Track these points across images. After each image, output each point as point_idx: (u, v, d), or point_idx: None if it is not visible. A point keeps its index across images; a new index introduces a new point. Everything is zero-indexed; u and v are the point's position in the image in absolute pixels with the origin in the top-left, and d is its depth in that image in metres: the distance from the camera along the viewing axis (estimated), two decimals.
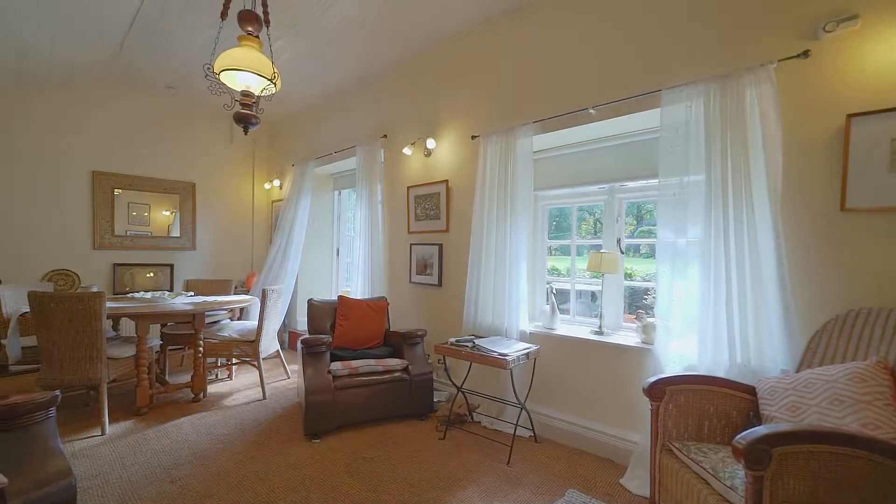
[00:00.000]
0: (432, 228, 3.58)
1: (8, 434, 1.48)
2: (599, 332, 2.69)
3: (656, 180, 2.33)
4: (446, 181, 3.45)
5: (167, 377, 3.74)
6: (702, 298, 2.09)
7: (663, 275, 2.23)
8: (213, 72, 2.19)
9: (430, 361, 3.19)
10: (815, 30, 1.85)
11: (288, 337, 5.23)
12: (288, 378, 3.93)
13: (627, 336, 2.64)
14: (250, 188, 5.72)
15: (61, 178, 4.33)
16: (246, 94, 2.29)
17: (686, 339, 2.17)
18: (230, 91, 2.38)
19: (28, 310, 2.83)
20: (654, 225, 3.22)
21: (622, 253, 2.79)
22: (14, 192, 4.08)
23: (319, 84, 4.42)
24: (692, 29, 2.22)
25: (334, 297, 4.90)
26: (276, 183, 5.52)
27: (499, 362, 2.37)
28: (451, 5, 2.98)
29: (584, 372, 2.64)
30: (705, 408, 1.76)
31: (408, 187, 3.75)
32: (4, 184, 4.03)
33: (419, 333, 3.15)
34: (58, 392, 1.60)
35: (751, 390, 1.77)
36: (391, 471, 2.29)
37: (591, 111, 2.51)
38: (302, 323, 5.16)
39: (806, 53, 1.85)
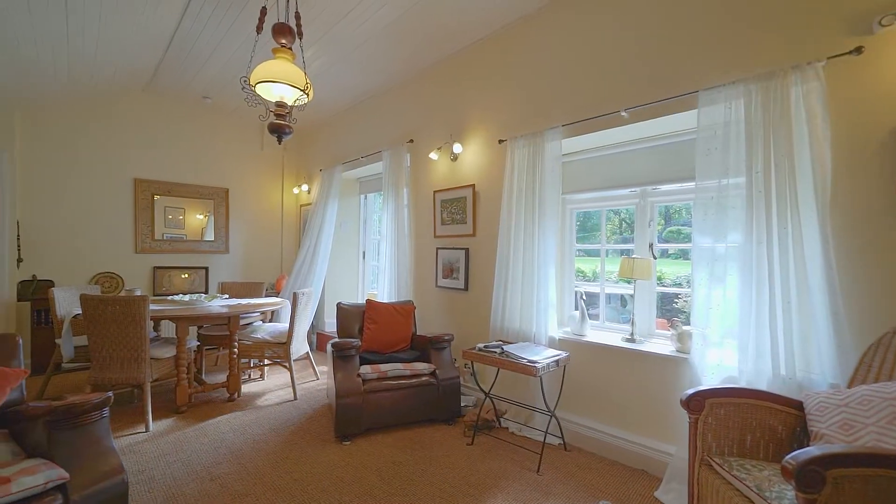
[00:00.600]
0: (459, 233, 3.59)
1: (66, 433, 1.58)
2: (631, 340, 2.62)
3: (692, 183, 2.26)
4: (473, 185, 3.44)
5: (204, 377, 3.89)
6: (742, 306, 2.01)
7: (700, 281, 2.15)
8: (250, 84, 2.27)
9: (457, 366, 3.20)
10: (869, 24, 1.75)
11: (316, 338, 5.34)
12: (317, 379, 4.01)
13: (661, 344, 2.57)
14: (280, 193, 5.89)
15: (107, 185, 4.58)
16: (280, 104, 2.36)
17: (725, 349, 2.09)
18: (265, 102, 2.46)
19: (80, 311, 3.01)
20: (684, 225, 3.12)
21: (655, 258, 2.72)
22: (66, 200, 4.34)
23: (348, 91, 4.51)
24: (731, 28, 2.13)
25: (361, 300, 4.98)
26: (305, 188, 5.65)
27: (528, 369, 2.35)
28: (477, 9, 2.98)
29: (616, 380, 2.58)
30: (748, 422, 1.69)
31: (434, 192, 3.77)
32: (57, 192, 4.29)
33: (446, 338, 3.16)
34: (111, 393, 1.69)
35: (798, 405, 1.69)
36: (421, 475, 2.31)
37: (624, 114, 2.45)
38: (330, 325, 5.26)
39: (859, 50, 1.75)
